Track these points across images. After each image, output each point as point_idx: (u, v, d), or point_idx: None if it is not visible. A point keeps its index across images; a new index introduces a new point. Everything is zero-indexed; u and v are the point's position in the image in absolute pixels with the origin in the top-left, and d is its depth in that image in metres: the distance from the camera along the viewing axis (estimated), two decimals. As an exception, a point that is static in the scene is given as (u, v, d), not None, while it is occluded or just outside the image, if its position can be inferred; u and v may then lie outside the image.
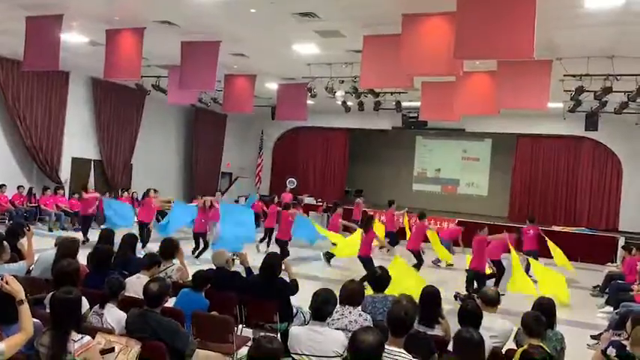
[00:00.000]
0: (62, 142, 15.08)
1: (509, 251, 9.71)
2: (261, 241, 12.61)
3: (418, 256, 11.04)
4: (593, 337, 7.28)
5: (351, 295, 4.37)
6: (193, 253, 10.94)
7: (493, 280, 9.82)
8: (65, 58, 10.04)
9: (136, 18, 9.27)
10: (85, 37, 10.87)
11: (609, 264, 13.45)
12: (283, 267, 5.68)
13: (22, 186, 13.95)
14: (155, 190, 12.11)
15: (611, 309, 8.52)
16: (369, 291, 5.21)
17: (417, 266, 10.57)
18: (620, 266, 11.57)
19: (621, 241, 14.60)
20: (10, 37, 10.81)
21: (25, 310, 3.21)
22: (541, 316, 4.13)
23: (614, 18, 7.64)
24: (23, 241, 5.62)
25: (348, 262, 11.77)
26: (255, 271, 5.76)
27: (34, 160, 14.52)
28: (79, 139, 15.70)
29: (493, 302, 4.73)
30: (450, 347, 4.05)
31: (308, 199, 19.26)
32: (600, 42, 8.74)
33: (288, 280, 5.58)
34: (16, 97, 13.68)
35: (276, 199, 14.60)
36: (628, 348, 4.05)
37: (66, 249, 5.31)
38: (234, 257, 5.99)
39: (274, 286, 5.38)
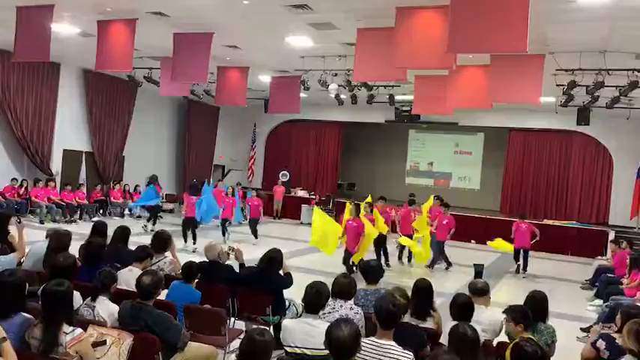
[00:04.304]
0: (53, 134, 14.97)
1: None
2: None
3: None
4: (583, 329, 7.36)
5: (343, 288, 4.38)
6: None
7: None
8: (56, 50, 9.94)
9: (127, 9, 9.18)
10: (76, 28, 10.76)
11: (599, 257, 13.55)
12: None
13: (15, 179, 13.87)
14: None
15: (601, 302, 8.61)
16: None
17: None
18: (610, 259, 11.65)
19: (611, 235, 14.72)
20: (0, 27, 10.68)
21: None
22: (527, 310, 4.18)
23: (605, 13, 7.66)
24: (14, 233, 5.58)
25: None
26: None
27: (24, 152, 14.40)
28: (70, 131, 15.59)
29: (481, 292, 4.75)
30: (442, 339, 4.09)
31: (301, 192, 19.23)
32: (592, 37, 8.77)
33: (282, 273, 5.59)
34: (6, 88, 13.55)
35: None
36: (617, 341, 4.08)
37: (57, 241, 5.28)
38: (229, 252, 5.98)
39: (269, 279, 5.39)
